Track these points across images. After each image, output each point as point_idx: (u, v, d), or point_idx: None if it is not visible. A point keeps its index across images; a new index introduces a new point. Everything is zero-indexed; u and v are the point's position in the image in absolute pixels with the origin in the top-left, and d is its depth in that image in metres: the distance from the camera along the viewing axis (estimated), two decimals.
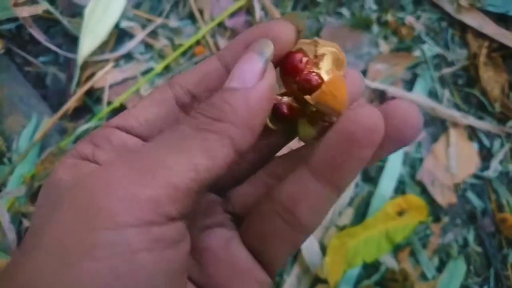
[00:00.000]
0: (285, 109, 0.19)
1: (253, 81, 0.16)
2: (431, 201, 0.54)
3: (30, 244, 0.15)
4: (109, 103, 0.57)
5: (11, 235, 0.51)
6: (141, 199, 0.14)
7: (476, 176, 0.56)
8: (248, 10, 0.62)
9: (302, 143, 0.21)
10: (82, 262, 0.13)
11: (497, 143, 0.57)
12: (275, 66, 0.18)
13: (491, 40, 0.60)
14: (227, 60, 0.19)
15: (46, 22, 0.61)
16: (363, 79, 0.19)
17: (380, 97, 0.58)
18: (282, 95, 0.20)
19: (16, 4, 0.58)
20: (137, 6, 0.62)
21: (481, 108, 0.58)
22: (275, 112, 0.19)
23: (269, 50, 0.17)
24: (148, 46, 0.60)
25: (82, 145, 0.20)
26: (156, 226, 0.14)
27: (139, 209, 0.14)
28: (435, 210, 0.54)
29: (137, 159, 0.15)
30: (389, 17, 0.62)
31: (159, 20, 0.61)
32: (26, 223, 0.53)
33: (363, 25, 0.61)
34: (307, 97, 0.18)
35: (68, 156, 0.20)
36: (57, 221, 0.14)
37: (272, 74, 0.17)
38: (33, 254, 0.14)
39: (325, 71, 0.18)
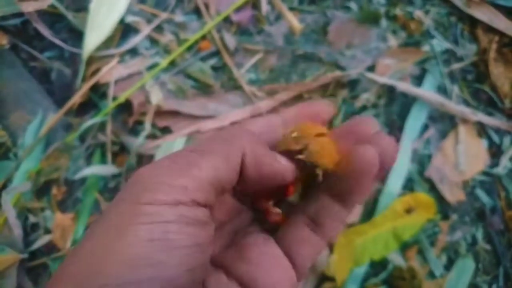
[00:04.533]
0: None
1: None
2: (439, 199, 0.53)
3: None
4: (114, 98, 0.57)
5: (17, 230, 0.51)
6: (176, 186, 0.18)
7: (485, 173, 0.55)
8: (254, 4, 0.61)
9: None
10: (128, 226, 0.17)
11: (506, 140, 0.56)
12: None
13: (502, 34, 0.59)
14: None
15: (52, 17, 0.60)
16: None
17: (389, 92, 0.57)
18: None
19: None
20: (142, 1, 0.61)
21: (490, 104, 0.57)
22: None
23: None
24: (153, 41, 0.60)
25: None
26: (184, 206, 0.18)
27: (174, 192, 0.18)
28: (443, 208, 0.53)
29: (178, 157, 0.20)
30: (397, 11, 0.61)
31: (164, 15, 0.60)
32: (32, 218, 0.53)
33: (371, 19, 0.60)
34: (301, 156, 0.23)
35: None
36: (116, 198, 0.19)
37: None
38: (95, 226, 0.18)
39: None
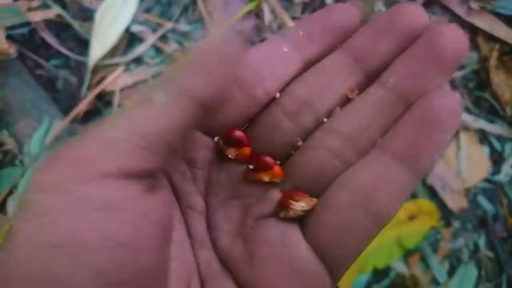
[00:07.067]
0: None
1: None
2: (441, 206, 0.54)
3: None
4: (119, 106, 0.58)
5: None
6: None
7: (487, 181, 0.55)
8: (257, 14, 0.62)
9: None
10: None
11: (508, 147, 0.56)
12: None
13: (502, 42, 0.60)
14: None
15: (58, 26, 0.61)
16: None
17: None
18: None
19: (29, 9, 0.58)
20: (148, 10, 0.62)
21: (492, 112, 0.58)
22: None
23: None
24: (158, 50, 0.61)
25: None
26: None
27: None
28: (445, 215, 0.53)
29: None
30: None
31: (169, 25, 0.61)
32: None
33: None
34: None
35: None
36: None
37: None
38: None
39: None
